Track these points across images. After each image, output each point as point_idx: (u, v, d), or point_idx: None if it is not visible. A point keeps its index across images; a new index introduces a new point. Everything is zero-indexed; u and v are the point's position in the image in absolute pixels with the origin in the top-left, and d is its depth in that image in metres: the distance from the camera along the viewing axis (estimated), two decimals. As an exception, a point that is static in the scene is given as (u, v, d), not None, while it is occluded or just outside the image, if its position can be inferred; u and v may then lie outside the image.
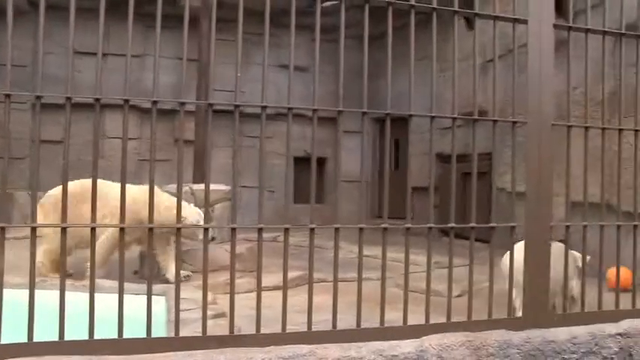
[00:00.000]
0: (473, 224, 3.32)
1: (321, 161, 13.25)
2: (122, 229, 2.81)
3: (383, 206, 3.34)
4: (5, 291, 2.68)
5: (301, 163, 9.51)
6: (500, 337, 3.08)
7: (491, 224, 3.38)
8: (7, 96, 2.77)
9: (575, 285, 4.70)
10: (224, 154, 11.90)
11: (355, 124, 10.11)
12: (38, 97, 2.81)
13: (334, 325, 3.03)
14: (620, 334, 3.27)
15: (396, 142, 12.30)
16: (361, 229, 3.09)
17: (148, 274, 2.85)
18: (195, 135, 9.69)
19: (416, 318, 3.22)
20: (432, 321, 3.20)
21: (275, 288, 4.79)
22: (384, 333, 3.04)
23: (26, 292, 2.69)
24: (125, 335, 2.74)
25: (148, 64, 11.10)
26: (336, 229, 3.04)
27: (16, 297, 2.90)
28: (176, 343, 2.76)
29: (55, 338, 2.66)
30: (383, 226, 3.12)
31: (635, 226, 3.65)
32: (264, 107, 2.94)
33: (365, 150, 11.95)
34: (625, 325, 3.33)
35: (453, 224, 3.31)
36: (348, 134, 8.03)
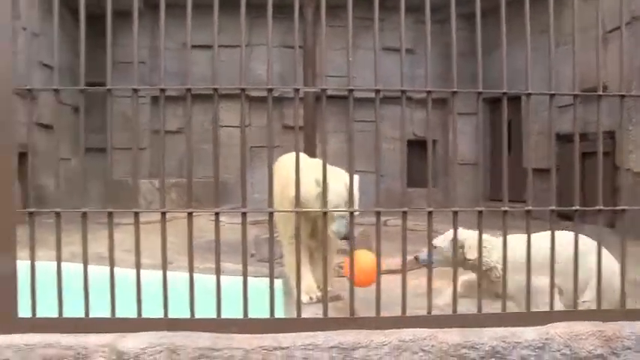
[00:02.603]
0: (600, 207, 3.13)
1: (433, 143, 13.01)
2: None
3: (496, 189, 3.23)
4: (135, 271, 2.90)
5: (410, 146, 9.44)
6: (637, 329, 2.86)
7: (622, 207, 3.17)
8: (135, 90, 2.96)
9: None
10: (334, 140, 12.02)
11: (465, 106, 9.87)
12: (162, 90, 2.96)
13: (454, 310, 2.99)
14: None
15: (508, 122, 11.81)
16: (480, 212, 3.02)
17: (269, 256, 2.95)
18: (304, 121, 9.87)
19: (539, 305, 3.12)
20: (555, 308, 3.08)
21: (388, 272, 4.80)
22: (506, 319, 2.96)
23: (156, 272, 2.90)
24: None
25: (255, 54, 11.43)
26: (455, 213, 2.99)
27: (147, 277, 3.11)
28: (298, 324, 2.85)
29: (187, 315, 2.83)
30: (503, 209, 3.02)
31: None
32: (377, 91, 2.93)
33: (480, 131, 11.61)
34: None
35: (577, 207, 3.14)
36: (458, 116, 7.86)
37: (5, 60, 2.85)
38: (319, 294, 3.54)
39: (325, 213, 2.98)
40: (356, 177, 3.50)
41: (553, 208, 3.10)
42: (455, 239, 3.11)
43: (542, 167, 9.64)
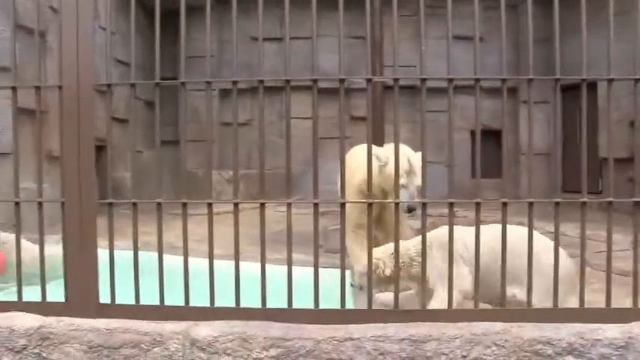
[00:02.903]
0: (687, 197, 2.95)
1: (497, 133, 12.79)
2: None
3: (570, 179, 3.10)
4: (208, 261, 2.97)
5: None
6: None
7: None
8: (208, 83, 3.01)
9: None
10: (402, 130, 11.88)
11: (536, 94, 9.54)
12: (234, 82, 3.00)
13: (529, 304, 2.90)
14: None
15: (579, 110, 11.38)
16: (557, 203, 2.90)
17: (341, 247, 2.94)
18: (372, 112, 9.76)
19: (618, 302, 2.97)
20: None
21: (457, 264, 4.71)
22: (585, 314, 2.84)
23: (226, 262, 2.95)
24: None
25: (321, 45, 11.44)
26: (530, 204, 2.89)
27: (218, 267, 3.18)
28: (369, 315, 2.84)
29: (259, 305, 2.87)
30: (582, 200, 2.90)
31: None
32: (450, 80, 2.87)
33: (555, 121, 11.27)
34: None
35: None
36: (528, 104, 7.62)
37: (87, 58, 2.97)
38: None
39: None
40: (418, 153, 3.45)
41: (638, 199, 2.95)
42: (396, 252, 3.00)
43: (621, 157, 9.21)
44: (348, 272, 4.56)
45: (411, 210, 3.67)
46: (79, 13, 2.95)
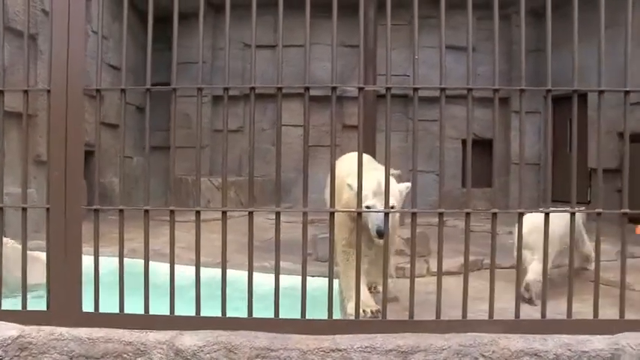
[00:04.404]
0: (675, 210, 2.96)
1: (488, 143, 12.82)
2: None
3: (559, 189, 3.11)
4: (195, 270, 2.94)
5: (466, 145, 9.24)
6: None
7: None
8: (200, 89, 2.99)
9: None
10: (392, 139, 11.92)
11: (527, 104, 9.60)
12: (226, 89, 2.98)
13: (517, 315, 2.89)
14: None
15: (571, 121, 11.41)
16: (547, 214, 2.90)
17: (330, 257, 2.92)
18: (363, 120, 9.77)
19: (604, 312, 2.97)
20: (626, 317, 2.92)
21: (446, 273, 4.70)
22: (572, 326, 2.83)
23: (210, 270, 2.92)
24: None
25: (315, 53, 11.44)
26: (520, 214, 2.88)
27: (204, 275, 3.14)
28: (356, 326, 2.81)
29: (245, 315, 2.85)
30: (571, 210, 2.90)
31: None
32: (442, 89, 2.86)
33: (546, 131, 11.34)
34: None
35: (649, 210, 2.96)
36: (519, 115, 7.67)
37: (77, 62, 2.94)
38: (374, 308, 3.46)
39: (360, 214, 2.95)
40: (404, 184, 3.45)
41: (626, 211, 2.95)
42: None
43: (610, 167, 9.26)
44: (336, 282, 4.54)
45: (380, 234, 3.43)
46: (70, 16, 2.93)
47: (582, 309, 3.15)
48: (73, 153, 2.94)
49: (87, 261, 2.97)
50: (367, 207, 3.45)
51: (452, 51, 9.85)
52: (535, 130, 12.10)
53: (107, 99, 9.75)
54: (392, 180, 3.09)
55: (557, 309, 3.08)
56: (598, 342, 2.69)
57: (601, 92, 2.96)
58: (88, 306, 2.92)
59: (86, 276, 2.95)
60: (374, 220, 3.50)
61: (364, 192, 3.25)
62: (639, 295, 2.99)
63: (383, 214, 3.03)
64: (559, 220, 3.65)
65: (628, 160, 3.06)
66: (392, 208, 3.30)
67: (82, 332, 2.73)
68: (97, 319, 2.87)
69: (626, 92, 2.95)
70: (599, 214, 2.93)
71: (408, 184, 3.57)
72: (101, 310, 2.94)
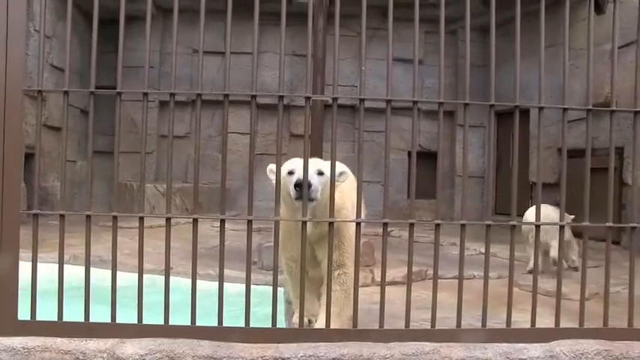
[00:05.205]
0: (610, 224, 3.10)
1: (435, 155, 13.08)
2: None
3: (501, 202, 3.20)
4: (138, 276, 2.88)
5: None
6: (647, 349, 2.80)
7: (633, 224, 3.12)
8: (145, 94, 2.95)
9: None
10: (339, 149, 11.98)
11: (471, 118, 9.87)
12: (172, 95, 2.94)
13: (458, 324, 2.95)
14: None
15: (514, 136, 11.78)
16: (488, 225, 2.98)
17: (274, 266, 2.91)
18: (311, 130, 9.86)
19: (542, 321, 3.08)
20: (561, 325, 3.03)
21: (391, 283, 4.76)
22: (510, 335, 2.92)
23: (154, 277, 2.86)
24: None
25: (265, 61, 11.46)
26: (462, 226, 2.96)
27: (147, 282, 3.08)
28: (300, 334, 2.81)
29: (188, 323, 2.80)
30: (511, 223, 2.99)
31: None
32: (388, 101, 2.91)
33: (489, 145, 11.64)
34: None
35: (587, 223, 3.10)
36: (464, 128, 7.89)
37: (18, 61, 2.84)
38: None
39: (305, 222, 2.92)
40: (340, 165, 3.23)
41: (563, 223, 3.07)
42: None
43: (549, 182, 9.62)
44: (280, 290, 4.52)
45: (298, 190, 3.02)
46: (9, 11, 2.83)
47: (520, 318, 3.24)
48: (11, 155, 2.84)
49: (25, 267, 2.86)
50: (289, 173, 3.20)
51: (401, 63, 9.79)
52: (480, 143, 12.44)
53: (51, 101, 9.49)
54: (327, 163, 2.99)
55: (497, 318, 3.15)
56: (534, 350, 2.79)
57: (541, 109, 3.07)
58: (24, 314, 2.81)
59: (24, 283, 2.84)
60: (293, 180, 3.11)
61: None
62: (576, 304, 3.10)
63: (305, 174, 2.89)
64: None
65: (565, 174, 3.18)
66: (320, 173, 3.19)
67: (17, 342, 2.63)
68: (34, 328, 2.76)
69: (565, 109, 3.07)
70: (537, 226, 3.05)
71: (346, 170, 3.40)
72: (38, 318, 2.83)
